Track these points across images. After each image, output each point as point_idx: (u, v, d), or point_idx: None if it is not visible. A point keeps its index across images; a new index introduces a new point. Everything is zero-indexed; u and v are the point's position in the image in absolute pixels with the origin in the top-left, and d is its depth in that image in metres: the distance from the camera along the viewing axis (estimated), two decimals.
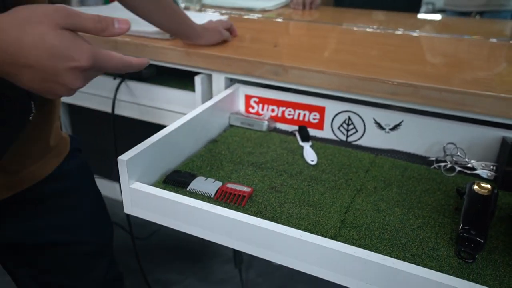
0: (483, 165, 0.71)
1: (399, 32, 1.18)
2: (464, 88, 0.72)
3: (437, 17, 1.66)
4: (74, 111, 1.69)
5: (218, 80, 0.93)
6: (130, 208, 0.65)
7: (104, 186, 0.87)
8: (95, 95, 1.10)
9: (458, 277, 0.46)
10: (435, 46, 1.06)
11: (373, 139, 0.82)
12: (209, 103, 0.82)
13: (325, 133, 0.86)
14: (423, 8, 3.09)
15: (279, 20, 1.34)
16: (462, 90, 0.71)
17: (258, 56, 0.88)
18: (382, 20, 1.49)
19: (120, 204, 0.65)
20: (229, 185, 0.65)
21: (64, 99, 1.11)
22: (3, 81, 0.41)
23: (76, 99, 1.13)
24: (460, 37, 1.13)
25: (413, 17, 1.55)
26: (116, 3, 1.28)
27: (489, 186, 0.59)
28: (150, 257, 1.62)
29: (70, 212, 0.72)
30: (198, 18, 1.02)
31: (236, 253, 1.48)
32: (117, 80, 1.05)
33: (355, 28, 1.22)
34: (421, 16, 1.64)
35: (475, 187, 0.60)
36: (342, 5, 1.99)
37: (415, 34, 1.16)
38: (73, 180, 0.72)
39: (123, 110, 1.09)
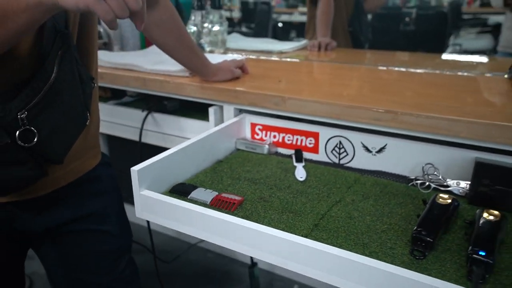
0: (456, 183, 0.78)
1: (402, 69, 1.27)
2: (438, 114, 0.80)
3: (452, 56, 1.74)
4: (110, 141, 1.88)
5: (228, 110, 1.06)
6: (140, 212, 0.77)
7: (131, 211, 0.98)
8: (125, 125, 1.26)
9: (404, 268, 0.53)
10: (429, 80, 1.14)
11: (361, 161, 0.91)
12: (216, 128, 0.94)
13: (320, 156, 0.95)
14: (449, 48, 3.16)
15: (292, 60, 1.48)
16: (436, 116, 0.79)
17: (262, 89, 1.00)
18: (393, 59, 1.59)
19: (144, 229, 0.78)
20: (224, 195, 0.76)
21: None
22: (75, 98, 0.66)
23: (109, 129, 1.30)
24: (456, 73, 1.20)
25: (429, 57, 1.63)
26: (149, 49, 1.48)
27: (448, 197, 0.66)
28: (171, 283, 1.72)
29: (104, 210, 0.88)
30: (219, 58, 1.18)
31: (252, 281, 1.54)
32: (145, 112, 1.21)
33: (359, 66, 1.33)
34: (444, 56, 1.70)
35: (437, 197, 0.67)
36: (361, 46, 2.10)
37: (415, 70, 1.25)
38: (105, 183, 0.89)
39: (149, 139, 1.24)
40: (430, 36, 2.35)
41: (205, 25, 1.55)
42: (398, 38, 2.25)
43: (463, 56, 1.81)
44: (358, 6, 2.05)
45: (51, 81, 0.63)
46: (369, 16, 2.31)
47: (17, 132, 0.61)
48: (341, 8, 1.96)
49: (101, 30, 1.52)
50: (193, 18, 1.55)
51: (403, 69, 1.28)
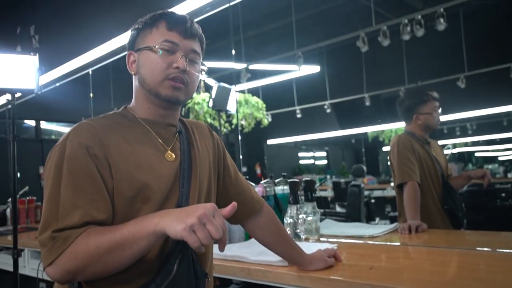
0: None
1: (496, 251, 1.29)
2: None
3: None
4: None
5: None
6: None
7: None
8: None
9: None
10: None
11: None
12: None
13: None
14: None
15: (382, 243, 1.56)
16: None
17: (353, 278, 1.10)
18: (485, 239, 1.58)
19: None
20: None
21: None
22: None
23: None
24: None
25: None
26: (252, 240, 1.70)
27: None
28: None
29: None
30: (313, 246, 1.33)
31: None
32: None
33: (450, 250, 1.37)
34: None
35: None
36: (460, 223, 2.06)
37: (509, 251, 1.26)
38: None
39: None
40: None
41: (300, 216, 1.77)
42: (495, 214, 2.21)
43: None
44: (445, 184, 2.10)
45: (170, 278, 0.83)
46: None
47: None
48: (430, 188, 2.03)
49: None
50: (289, 211, 1.79)
51: (496, 251, 1.29)
